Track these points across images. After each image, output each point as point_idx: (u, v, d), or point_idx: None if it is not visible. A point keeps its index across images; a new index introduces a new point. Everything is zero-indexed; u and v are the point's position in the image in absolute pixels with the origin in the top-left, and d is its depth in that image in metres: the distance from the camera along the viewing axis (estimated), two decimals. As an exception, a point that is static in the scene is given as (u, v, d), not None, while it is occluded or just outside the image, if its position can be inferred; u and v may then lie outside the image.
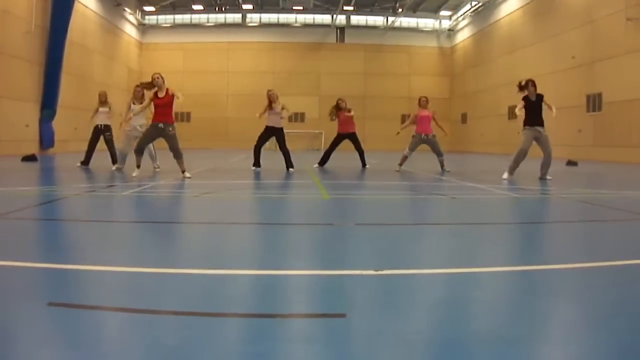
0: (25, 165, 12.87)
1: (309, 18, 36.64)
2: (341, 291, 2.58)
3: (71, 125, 22.61)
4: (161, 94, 8.96)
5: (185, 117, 35.34)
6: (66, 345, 1.84)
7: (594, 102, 20.38)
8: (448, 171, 11.28)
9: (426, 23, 37.01)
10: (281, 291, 2.63)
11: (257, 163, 11.39)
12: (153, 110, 9.17)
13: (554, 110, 9.38)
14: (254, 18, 36.56)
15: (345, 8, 33.89)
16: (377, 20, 36.77)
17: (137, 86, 10.61)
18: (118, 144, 11.16)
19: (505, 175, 9.27)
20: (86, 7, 25.84)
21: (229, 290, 2.63)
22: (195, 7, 35.22)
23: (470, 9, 33.18)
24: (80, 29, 24.54)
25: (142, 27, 35.66)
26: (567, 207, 6.20)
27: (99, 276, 2.76)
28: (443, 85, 36.98)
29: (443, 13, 35.85)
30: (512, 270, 3.10)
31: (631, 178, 11.10)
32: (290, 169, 11.13)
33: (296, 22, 36.72)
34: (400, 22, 36.28)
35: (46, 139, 20.93)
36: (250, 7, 35.15)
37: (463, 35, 35.34)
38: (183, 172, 9.03)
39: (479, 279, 2.87)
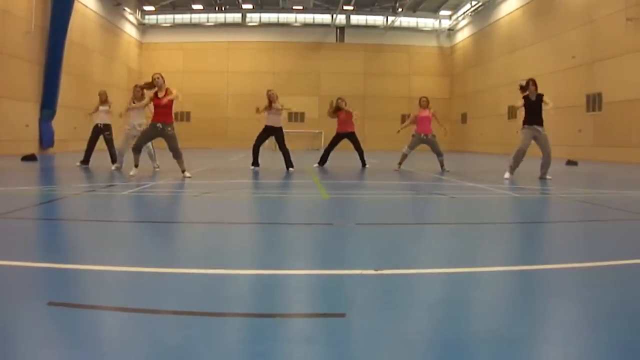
0: (25, 164, 12.87)
1: (308, 18, 36.63)
2: (341, 291, 2.58)
3: (71, 125, 22.60)
4: (161, 94, 8.96)
5: (185, 117, 35.34)
6: (66, 345, 1.84)
7: (594, 102, 20.38)
8: (448, 171, 11.28)
9: (426, 23, 37.00)
10: (281, 291, 2.63)
11: (255, 162, 11.38)
12: (153, 109, 9.18)
13: (550, 105, 9.34)
14: (253, 18, 36.55)
15: (345, 8, 33.88)
16: (377, 20, 36.76)
17: (136, 86, 10.61)
18: (117, 143, 11.14)
19: (507, 175, 9.27)
20: (86, 6, 25.83)
21: (229, 290, 2.63)
22: (195, 6, 35.20)
23: (470, 8, 33.17)
24: (80, 29, 24.53)
25: (142, 27, 35.65)
26: (567, 207, 6.20)
27: (99, 276, 2.76)
28: (443, 85, 36.98)
29: (443, 13, 35.84)
30: (512, 270, 3.10)
31: (631, 178, 11.10)
32: (290, 169, 11.13)
33: (296, 21, 36.71)
34: (400, 22, 36.27)
35: (46, 139, 20.93)
36: (250, 6, 35.14)
37: (463, 35, 35.34)
38: (183, 171, 9.02)
39: (479, 278, 2.87)
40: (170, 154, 9.20)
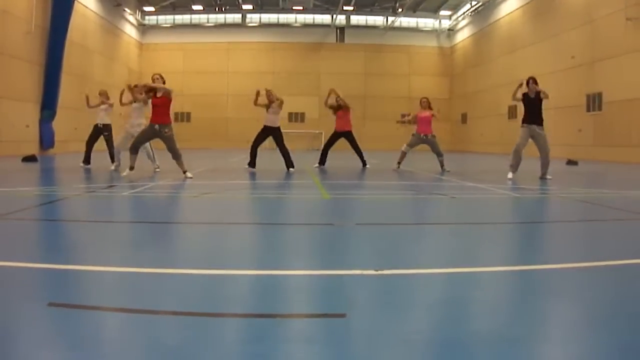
0: (25, 165, 12.87)
1: (308, 18, 36.64)
2: (341, 291, 2.59)
3: (71, 126, 22.61)
4: (159, 94, 8.96)
5: (185, 117, 35.38)
6: (66, 345, 1.84)
7: (594, 102, 20.38)
8: (448, 171, 11.28)
9: (426, 23, 37.02)
10: (281, 291, 2.63)
11: (252, 163, 11.32)
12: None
13: (547, 94, 9.26)
14: (253, 18, 36.57)
15: (345, 8, 33.90)
16: (377, 20, 36.77)
17: (135, 86, 10.62)
18: (116, 142, 11.09)
19: (510, 175, 9.23)
20: (86, 7, 25.84)
21: (229, 290, 2.63)
22: (195, 7, 35.23)
23: (470, 8, 33.18)
24: (80, 29, 24.55)
25: (142, 28, 35.66)
26: (567, 206, 6.20)
27: (99, 276, 2.77)
28: (443, 85, 36.99)
29: (443, 13, 35.86)
30: (512, 270, 3.11)
31: (631, 178, 11.10)
32: (291, 169, 11.12)
33: (296, 22, 36.72)
34: (400, 22, 36.28)
35: (46, 140, 20.94)
36: (250, 7, 35.16)
37: (463, 35, 35.34)
38: (184, 172, 9.01)
39: (479, 278, 2.87)
40: (170, 155, 9.19)
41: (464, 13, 34.28)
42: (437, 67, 37.44)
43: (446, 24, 36.77)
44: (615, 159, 18.45)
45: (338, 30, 36.96)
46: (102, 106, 11.69)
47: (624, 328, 2.07)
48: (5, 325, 2.03)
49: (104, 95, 11.72)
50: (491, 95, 29.58)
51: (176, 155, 9.06)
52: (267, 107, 11.45)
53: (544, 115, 9.33)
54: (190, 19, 36.31)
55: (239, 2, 33.82)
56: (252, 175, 10.21)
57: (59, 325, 2.06)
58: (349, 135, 12.64)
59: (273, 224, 4.90)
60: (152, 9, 34.58)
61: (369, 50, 36.64)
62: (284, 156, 11.33)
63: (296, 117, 35.61)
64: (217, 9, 36.00)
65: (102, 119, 11.67)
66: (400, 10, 34.38)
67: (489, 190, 7.60)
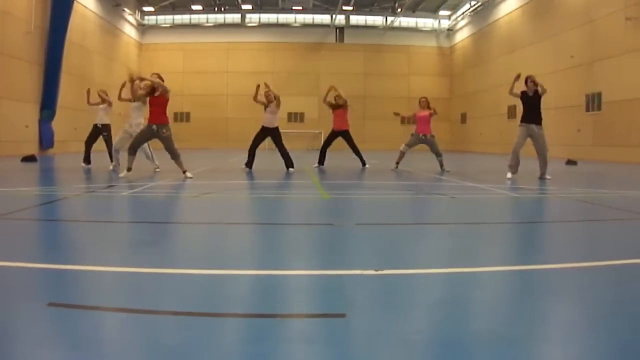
0: (25, 165, 12.87)
1: (308, 18, 36.65)
2: (341, 291, 2.59)
3: (71, 126, 22.61)
4: (157, 93, 8.94)
5: (185, 117, 35.38)
6: (66, 345, 1.84)
7: (594, 102, 20.39)
8: (448, 171, 11.27)
9: (425, 23, 37.03)
10: (281, 291, 2.63)
11: (249, 164, 11.28)
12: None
13: (544, 88, 9.24)
14: (253, 18, 36.57)
15: (345, 8, 33.90)
16: (377, 20, 36.78)
17: (140, 79, 10.58)
18: (114, 141, 11.05)
19: (509, 175, 9.22)
20: (85, 7, 25.84)
21: (229, 290, 2.63)
22: (195, 7, 35.23)
23: (469, 8, 33.19)
24: (79, 30, 24.54)
25: (142, 28, 35.66)
26: (566, 206, 6.20)
27: (99, 276, 2.77)
28: (442, 85, 37.00)
29: (442, 13, 35.87)
30: (512, 270, 3.11)
31: (631, 178, 11.10)
32: (290, 169, 11.11)
33: (295, 22, 36.73)
34: (400, 22, 36.30)
35: (46, 140, 20.94)
36: (249, 7, 35.16)
37: (462, 35, 35.35)
38: (184, 172, 9.00)
39: (478, 278, 2.87)
40: (169, 155, 9.19)
41: (463, 13, 34.29)
42: (437, 67, 37.45)
43: (445, 24, 36.79)
44: (614, 158, 18.46)
45: (337, 30, 36.97)
46: (101, 105, 11.66)
47: (624, 328, 2.07)
48: (5, 325, 2.03)
49: (103, 94, 11.69)
50: (491, 95, 29.59)
51: (174, 155, 9.05)
52: (265, 106, 11.43)
53: (543, 115, 9.31)
54: (190, 19, 36.32)
55: (238, 2, 33.82)
56: (252, 176, 10.21)
57: (58, 325, 2.06)
58: (346, 135, 12.61)
59: (273, 224, 4.90)
60: (151, 9, 34.57)
61: (369, 50, 36.65)
62: (283, 156, 11.32)
63: (295, 117, 35.62)
64: (216, 9, 36.00)
65: (101, 119, 11.65)
66: (399, 10, 34.39)
67: (489, 190, 7.60)
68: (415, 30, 37.10)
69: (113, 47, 30.48)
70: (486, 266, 3.19)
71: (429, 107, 11.62)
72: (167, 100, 8.99)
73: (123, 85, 10.98)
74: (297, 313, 2.27)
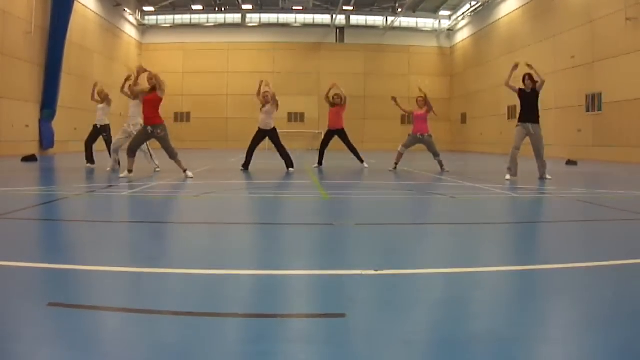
0: (25, 165, 12.87)
1: (308, 18, 36.63)
2: (341, 291, 2.59)
3: (71, 126, 22.61)
4: (159, 91, 8.91)
5: (185, 117, 35.36)
6: (66, 345, 1.84)
7: (594, 102, 20.38)
8: (447, 171, 11.27)
9: (426, 23, 37.01)
10: (281, 291, 2.63)
11: (246, 165, 11.27)
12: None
13: (542, 79, 9.20)
14: (253, 18, 36.55)
15: (345, 8, 33.88)
16: (377, 20, 36.76)
17: (146, 71, 10.55)
18: (114, 140, 11.02)
19: (507, 177, 9.21)
20: (86, 7, 25.83)
21: (229, 290, 2.64)
22: (195, 7, 35.21)
23: (469, 8, 33.18)
24: (80, 30, 24.54)
25: (142, 28, 35.65)
26: (566, 206, 6.20)
27: (99, 276, 2.77)
28: (443, 85, 36.97)
29: (442, 13, 35.85)
30: (512, 270, 3.11)
31: (631, 178, 11.10)
32: (290, 169, 11.11)
33: (296, 22, 36.71)
34: (400, 22, 36.27)
35: (46, 140, 20.93)
36: (249, 7, 35.13)
37: (462, 35, 35.34)
38: (184, 171, 8.98)
39: (478, 278, 2.87)
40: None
41: (463, 13, 34.27)
42: (437, 67, 37.43)
43: (446, 24, 36.77)
44: (614, 159, 18.46)
45: (338, 30, 36.95)
46: (100, 106, 11.62)
47: (624, 328, 2.07)
48: (5, 325, 2.03)
49: (102, 94, 11.65)
50: (491, 96, 29.58)
51: (172, 155, 9.05)
52: (261, 106, 11.41)
53: (545, 116, 9.27)
54: (190, 19, 36.30)
55: (238, 2, 33.80)
56: (252, 176, 10.21)
57: (58, 325, 2.06)
58: (342, 133, 12.59)
59: (273, 224, 4.90)
60: (151, 9, 34.56)
61: (369, 50, 36.64)
62: (283, 156, 11.32)
63: (296, 117, 35.61)
64: (216, 9, 35.98)
65: (100, 119, 11.62)
66: (400, 10, 34.37)
67: (489, 191, 7.60)
68: (415, 30, 37.08)
69: (113, 47, 30.48)
70: (486, 266, 3.20)
71: (425, 105, 11.57)
72: (160, 100, 8.94)
73: (128, 78, 10.82)
74: (297, 313, 2.27)
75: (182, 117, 35.13)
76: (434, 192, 7.78)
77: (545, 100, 9.44)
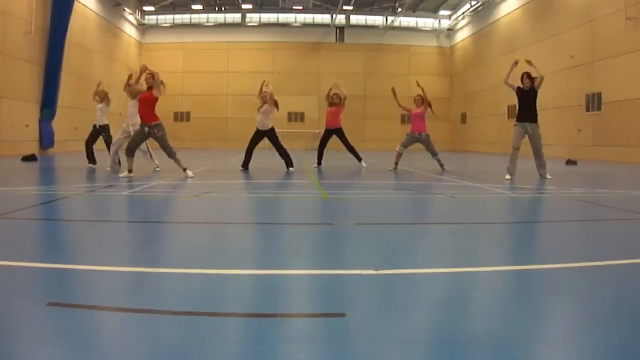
0: (25, 165, 12.87)
1: (308, 18, 36.62)
2: (341, 291, 2.59)
3: (71, 126, 22.61)
4: (155, 91, 8.90)
5: (185, 117, 35.36)
6: (66, 345, 1.84)
7: (594, 102, 20.38)
8: (447, 170, 11.28)
9: (425, 23, 37.00)
10: (281, 291, 2.63)
11: (245, 164, 11.28)
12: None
13: (541, 75, 9.17)
14: (253, 18, 36.55)
15: (345, 8, 33.87)
16: (377, 19, 36.75)
17: (128, 83, 10.56)
18: (114, 140, 10.99)
19: (507, 177, 9.20)
20: (86, 7, 25.82)
21: (229, 290, 2.63)
22: (195, 6, 35.20)
23: (469, 8, 33.17)
24: (80, 29, 24.53)
25: (142, 27, 35.64)
26: (566, 206, 6.20)
27: (98, 276, 2.77)
28: (443, 85, 36.97)
29: (442, 12, 35.84)
30: (512, 269, 3.11)
31: (631, 177, 11.10)
32: (290, 168, 11.12)
33: (296, 21, 36.70)
34: (400, 22, 36.26)
35: (46, 139, 20.93)
36: (249, 6, 35.13)
37: (462, 35, 35.34)
38: (184, 170, 8.97)
39: (478, 278, 2.87)
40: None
41: (463, 13, 34.26)
42: (437, 67, 37.43)
43: (446, 23, 36.76)
44: (614, 158, 18.46)
45: (338, 30, 36.95)
46: (99, 106, 11.60)
47: (624, 328, 2.07)
48: (4, 325, 2.03)
49: (101, 93, 11.63)
50: (491, 95, 29.58)
51: (170, 153, 9.05)
52: (259, 107, 11.41)
53: (544, 116, 9.27)
54: (190, 18, 36.29)
55: (238, 1, 33.80)
56: (252, 175, 10.21)
57: (58, 324, 2.06)
58: (339, 133, 12.59)
59: (273, 224, 4.90)
60: (151, 8, 34.56)
61: (369, 50, 36.63)
62: (282, 156, 11.32)
63: (295, 117, 35.61)
64: (216, 9, 35.97)
65: (99, 119, 11.60)
66: (399, 10, 34.36)
67: (489, 190, 7.60)
68: (415, 30, 37.07)
69: (113, 46, 30.47)
70: (486, 266, 3.19)
71: (422, 103, 11.56)
72: (156, 99, 8.92)
73: (130, 77, 10.80)
74: (297, 313, 2.27)
75: (182, 116, 35.13)
76: (433, 191, 7.78)
77: (545, 100, 9.44)
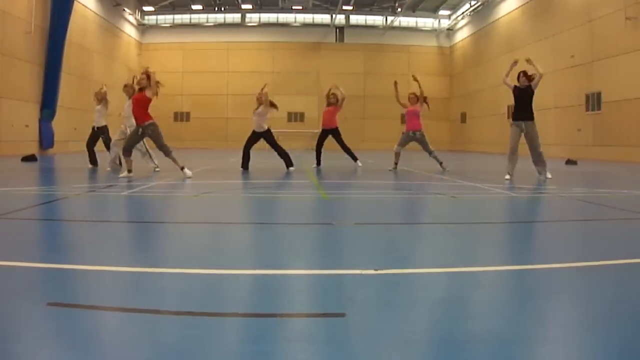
0: (25, 165, 12.87)
1: (308, 18, 36.62)
2: (341, 291, 2.59)
3: (71, 126, 22.61)
4: (147, 90, 8.89)
5: (185, 117, 35.37)
6: (66, 345, 1.84)
7: (593, 101, 20.38)
8: (447, 169, 11.30)
9: (425, 22, 37.01)
10: (281, 291, 2.63)
11: (244, 164, 11.30)
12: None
13: (540, 73, 9.16)
14: (253, 18, 36.55)
15: (345, 8, 33.87)
16: (377, 19, 36.75)
17: (126, 86, 10.56)
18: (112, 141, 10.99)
19: (507, 177, 9.20)
20: (86, 7, 25.82)
21: (229, 290, 2.63)
22: (195, 7, 35.21)
23: (469, 8, 33.18)
24: (79, 29, 24.53)
25: (142, 27, 35.64)
26: (566, 206, 6.20)
27: (98, 276, 2.77)
28: (442, 84, 36.97)
29: (442, 12, 35.85)
30: (512, 269, 3.11)
31: (631, 177, 11.10)
32: (290, 168, 11.13)
33: (295, 21, 36.70)
34: (400, 22, 36.27)
35: (46, 140, 20.93)
36: (249, 6, 35.13)
37: (462, 35, 35.34)
38: (182, 169, 8.95)
39: (478, 278, 2.87)
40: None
41: (463, 13, 34.26)
42: (437, 66, 37.43)
43: (445, 23, 36.76)
44: (614, 158, 18.46)
45: (337, 30, 36.95)
46: (97, 107, 11.60)
47: (624, 328, 2.07)
48: (4, 325, 2.03)
49: (99, 94, 11.62)
50: (490, 95, 29.58)
51: (165, 152, 9.05)
52: (255, 109, 11.43)
53: (545, 116, 9.27)
54: (190, 18, 36.29)
55: (238, 1, 33.80)
56: (251, 175, 10.22)
57: (58, 324, 2.06)
58: (335, 133, 12.58)
59: (272, 224, 4.90)
60: (151, 8, 34.56)
61: (369, 50, 36.63)
62: (281, 156, 11.34)
63: (295, 117, 35.61)
64: (216, 9, 35.98)
65: (97, 121, 11.59)
66: (399, 10, 34.36)
67: (489, 190, 7.60)
68: (415, 30, 37.08)
69: (113, 46, 30.47)
70: (486, 266, 3.19)
71: (417, 101, 11.60)
72: (149, 100, 8.91)
73: (134, 80, 10.82)
74: (297, 312, 2.27)
75: (181, 116, 35.15)
76: (433, 191, 7.78)
77: (545, 99, 9.45)
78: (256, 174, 10.54)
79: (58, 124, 21.56)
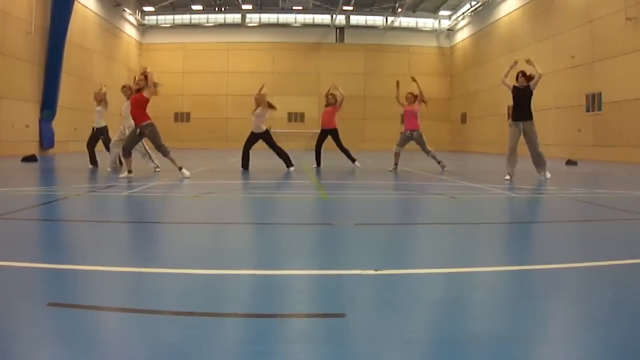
0: (25, 165, 12.87)
1: (308, 18, 36.62)
2: (341, 291, 2.59)
3: (71, 126, 22.61)
4: (145, 90, 8.89)
5: (185, 117, 35.38)
6: (66, 345, 1.84)
7: (594, 102, 20.38)
8: (446, 168, 11.32)
9: (425, 23, 37.01)
10: (281, 291, 2.63)
11: (244, 165, 11.32)
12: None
13: (539, 73, 9.17)
14: (253, 18, 36.55)
15: (345, 8, 33.87)
16: (377, 20, 36.76)
17: (124, 87, 10.56)
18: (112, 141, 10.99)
19: (507, 177, 9.20)
20: (86, 7, 25.83)
21: (229, 290, 2.63)
22: (195, 7, 35.21)
23: (469, 8, 33.18)
24: (80, 30, 24.53)
25: (142, 28, 35.64)
26: (566, 206, 6.20)
27: (98, 276, 2.77)
28: (442, 85, 36.96)
29: (442, 13, 35.85)
30: (512, 269, 3.11)
31: (631, 178, 11.10)
32: (290, 168, 11.13)
33: (296, 22, 36.70)
34: (400, 22, 36.27)
35: (46, 140, 20.93)
36: (249, 7, 35.13)
37: (462, 35, 35.34)
38: (180, 169, 8.94)
39: (478, 278, 2.87)
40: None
41: (463, 13, 34.26)
42: (437, 67, 37.42)
43: (446, 24, 36.76)
44: (614, 159, 18.46)
45: (338, 30, 36.95)
46: (97, 107, 11.60)
47: (624, 328, 2.07)
48: (4, 325, 2.03)
49: (99, 95, 11.62)
50: (491, 95, 29.57)
51: (164, 152, 9.05)
52: (253, 110, 11.44)
53: (545, 116, 9.28)
54: (190, 19, 36.30)
55: (238, 2, 33.80)
56: (251, 175, 10.22)
57: (58, 325, 2.06)
58: (334, 133, 12.58)
59: (272, 224, 4.90)
60: (151, 9, 34.56)
61: (369, 50, 36.63)
62: (280, 156, 11.35)
63: (295, 117, 35.61)
64: (216, 9, 35.98)
65: (97, 122, 11.59)
66: (399, 10, 34.37)
67: (489, 190, 7.60)
68: (415, 30, 37.08)
69: (113, 47, 30.47)
70: (486, 266, 3.20)
71: (414, 101, 11.63)
72: (146, 100, 8.92)
73: (134, 80, 10.84)
74: (297, 313, 2.27)
75: (182, 117, 35.15)
76: (433, 191, 7.78)
77: (545, 100, 9.45)
78: (256, 174, 10.54)
79: (58, 124, 21.56)
